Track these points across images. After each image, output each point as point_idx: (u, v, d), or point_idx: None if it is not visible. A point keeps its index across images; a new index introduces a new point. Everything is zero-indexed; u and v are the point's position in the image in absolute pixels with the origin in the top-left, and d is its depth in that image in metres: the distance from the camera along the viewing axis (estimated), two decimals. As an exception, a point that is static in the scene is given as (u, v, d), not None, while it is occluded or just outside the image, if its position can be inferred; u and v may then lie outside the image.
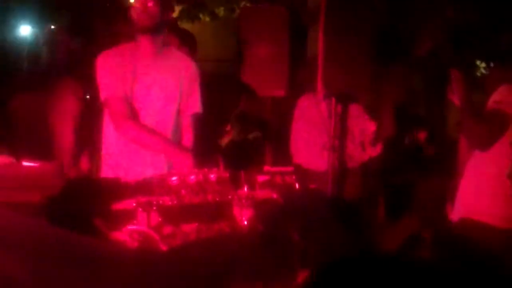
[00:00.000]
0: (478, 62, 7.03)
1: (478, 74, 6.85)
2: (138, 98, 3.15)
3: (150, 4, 3.05)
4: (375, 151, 4.30)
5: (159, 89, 3.18)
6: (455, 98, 3.45)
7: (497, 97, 3.33)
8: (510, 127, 3.28)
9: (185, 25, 6.69)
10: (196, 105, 3.36)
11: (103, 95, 3.12)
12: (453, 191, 3.65)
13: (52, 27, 4.98)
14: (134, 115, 3.13)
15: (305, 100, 4.38)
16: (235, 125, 4.84)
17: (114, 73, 3.09)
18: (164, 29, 3.22)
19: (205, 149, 3.41)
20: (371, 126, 4.20)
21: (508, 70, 3.56)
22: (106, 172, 3.22)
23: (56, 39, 4.03)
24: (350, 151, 4.27)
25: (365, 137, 4.26)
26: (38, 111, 3.86)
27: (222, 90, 4.65)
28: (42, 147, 3.78)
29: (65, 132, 3.86)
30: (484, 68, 6.98)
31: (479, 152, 3.41)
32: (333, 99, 4.01)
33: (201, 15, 7.65)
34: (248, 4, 7.34)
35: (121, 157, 3.17)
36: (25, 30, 4.58)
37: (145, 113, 3.16)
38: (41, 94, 3.88)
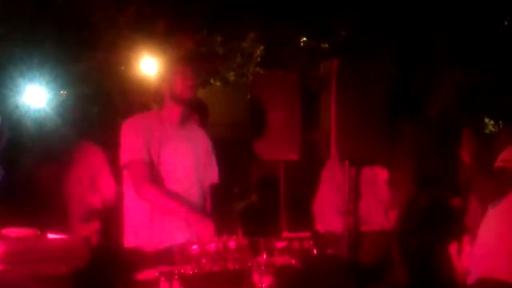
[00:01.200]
0: (486, 120, 7.09)
1: (487, 131, 6.91)
2: (166, 165, 3.18)
3: (192, 80, 3.17)
4: (393, 214, 4.32)
5: (183, 158, 3.24)
6: (465, 155, 3.52)
7: (505, 156, 3.41)
8: None
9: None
10: (214, 176, 3.44)
11: (124, 159, 3.16)
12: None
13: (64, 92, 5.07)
14: (158, 181, 3.15)
15: (332, 163, 4.40)
16: (255, 190, 4.87)
17: (139, 138, 3.14)
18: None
19: (220, 213, 3.44)
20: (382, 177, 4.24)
21: None
22: (129, 239, 3.24)
23: (74, 107, 4.10)
24: (373, 214, 4.27)
25: (382, 198, 4.28)
26: (59, 180, 3.91)
27: (232, 154, 4.70)
28: (63, 216, 3.81)
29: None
30: (493, 125, 7.04)
31: (492, 211, 3.44)
32: (347, 163, 4.04)
33: (212, 80, 7.77)
34: (258, 69, 7.47)
35: (143, 223, 3.14)
36: (34, 95, 4.62)
37: (171, 180, 3.19)
38: (63, 162, 3.93)
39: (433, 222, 4.80)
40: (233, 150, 4.86)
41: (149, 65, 5.28)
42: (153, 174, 3.14)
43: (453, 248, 3.97)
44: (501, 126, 4.72)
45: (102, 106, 4.26)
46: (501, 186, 3.37)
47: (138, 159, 3.12)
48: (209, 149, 3.45)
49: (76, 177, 3.95)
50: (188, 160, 3.27)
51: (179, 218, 3.04)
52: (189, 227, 2.95)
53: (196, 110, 4.19)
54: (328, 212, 4.31)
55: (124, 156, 3.17)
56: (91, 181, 3.95)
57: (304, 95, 4.54)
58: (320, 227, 4.34)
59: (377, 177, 4.33)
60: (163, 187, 3.16)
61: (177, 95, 3.19)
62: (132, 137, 3.16)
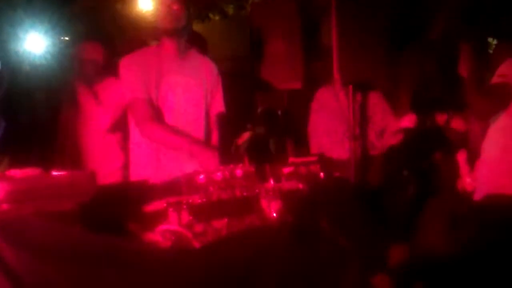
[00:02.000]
0: (490, 40, 6.99)
1: (491, 51, 6.82)
2: (164, 100, 3.18)
3: (175, 7, 3.10)
4: (395, 139, 4.31)
5: (183, 90, 3.22)
6: (464, 72, 3.50)
7: (501, 71, 3.39)
8: None
9: (196, 26, 6.71)
10: (220, 105, 3.42)
11: (126, 98, 3.16)
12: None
13: (66, 38, 5.03)
14: (160, 116, 3.16)
15: (323, 92, 4.39)
16: (260, 121, 4.86)
17: (138, 76, 3.12)
18: (187, 31, 3.26)
19: (228, 147, 3.44)
20: (391, 116, 4.22)
21: None
22: (135, 174, 3.27)
23: (81, 50, 4.05)
24: (372, 138, 4.28)
25: (385, 124, 4.27)
26: (70, 123, 3.90)
27: (237, 88, 4.67)
28: (74, 157, 3.82)
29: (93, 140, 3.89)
30: (495, 45, 6.95)
31: (494, 128, 3.45)
32: (351, 88, 4.02)
33: (211, 15, 7.66)
34: (257, 0, 7.34)
35: (149, 158, 3.19)
36: (34, 41, 4.57)
37: (173, 115, 3.19)
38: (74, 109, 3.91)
39: (436, 143, 4.81)
40: (237, 84, 4.82)
41: (145, 2, 5.21)
42: (155, 110, 3.14)
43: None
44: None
45: (103, 47, 4.18)
46: (499, 101, 3.37)
47: (138, 98, 3.12)
48: (214, 77, 3.41)
49: (83, 117, 3.93)
50: (189, 92, 3.25)
51: (183, 152, 3.04)
52: (193, 159, 2.96)
53: (194, 44, 4.15)
54: (325, 139, 4.31)
55: (125, 95, 3.17)
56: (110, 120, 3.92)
57: (305, 23, 4.48)
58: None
59: (376, 101, 4.31)
60: (165, 123, 3.16)
61: (162, 27, 3.15)
62: (130, 76, 3.15)
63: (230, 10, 7.68)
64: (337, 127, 4.23)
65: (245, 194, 2.22)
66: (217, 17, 7.71)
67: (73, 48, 4.13)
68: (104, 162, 3.80)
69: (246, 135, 3.10)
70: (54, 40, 4.57)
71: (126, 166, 3.60)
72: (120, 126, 3.68)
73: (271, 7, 4.53)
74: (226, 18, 7.73)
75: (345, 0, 3.92)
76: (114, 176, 3.76)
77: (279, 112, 4.71)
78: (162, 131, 3.13)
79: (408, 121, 4.22)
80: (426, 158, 4.75)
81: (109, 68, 3.79)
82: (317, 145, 4.38)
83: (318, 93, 4.42)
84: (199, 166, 2.91)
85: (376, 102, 4.30)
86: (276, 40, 4.37)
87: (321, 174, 2.48)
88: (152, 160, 3.17)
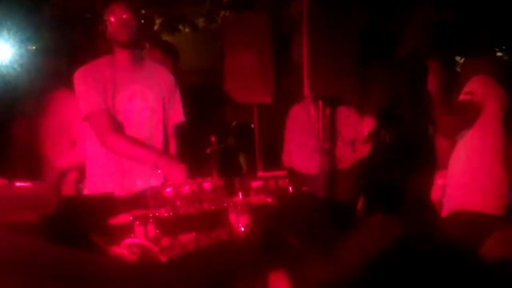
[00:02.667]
0: (458, 58, 7.10)
1: (458, 70, 6.92)
2: (121, 110, 3.11)
3: (126, 17, 3.03)
4: (364, 151, 4.32)
5: (140, 100, 3.16)
6: (432, 89, 3.53)
7: (468, 89, 3.45)
8: (487, 117, 3.37)
9: (165, 38, 6.69)
10: (178, 115, 3.35)
11: (84, 110, 3.06)
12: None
13: (34, 47, 4.95)
14: (118, 127, 3.08)
15: (296, 108, 4.39)
16: (232, 135, 4.85)
17: (94, 87, 3.04)
18: (142, 42, 3.21)
19: (196, 159, 3.41)
20: (362, 126, 4.23)
21: (480, 62, 3.67)
22: (91, 188, 3.19)
23: (44, 61, 3.99)
24: (340, 152, 4.28)
25: (355, 137, 4.28)
26: (34, 133, 3.83)
27: (205, 101, 4.65)
28: (37, 167, 3.75)
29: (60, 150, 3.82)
30: (462, 63, 7.06)
31: (461, 145, 3.49)
32: (320, 102, 4.03)
33: (181, 27, 7.65)
34: (228, 13, 7.35)
35: (108, 172, 3.11)
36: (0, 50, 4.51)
37: (130, 125, 3.12)
38: (37, 115, 3.84)
39: (400, 159, 4.85)
40: (207, 96, 4.79)
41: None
42: (114, 121, 3.07)
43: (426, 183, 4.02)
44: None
45: (68, 56, 4.13)
46: (466, 118, 3.41)
47: (97, 109, 3.04)
48: (172, 86, 3.34)
49: (51, 128, 3.86)
50: (146, 102, 3.19)
51: (148, 165, 2.98)
52: (160, 172, 2.91)
53: (167, 55, 4.12)
54: (295, 155, 4.31)
55: (82, 108, 3.07)
56: (66, 130, 3.86)
57: (276, 37, 4.48)
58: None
59: (347, 115, 4.33)
60: (127, 135, 3.09)
61: (116, 39, 3.07)
62: (86, 87, 3.07)
63: (200, 22, 7.69)
64: (307, 141, 4.23)
65: (213, 208, 2.20)
66: (187, 29, 7.70)
67: (40, 58, 4.06)
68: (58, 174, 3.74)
69: (215, 149, 3.07)
70: (21, 49, 4.50)
71: (79, 179, 3.56)
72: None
73: (242, 21, 4.52)
74: (196, 31, 7.73)
75: (316, 15, 3.92)
76: (67, 189, 3.69)
77: (252, 126, 4.69)
78: (126, 143, 3.05)
79: (368, 124, 4.23)
80: (388, 173, 4.78)
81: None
82: (288, 160, 4.38)
83: (291, 110, 4.42)
84: (164, 179, 2.86)
85: (347, 115, 4.31)
86: (246, 54, 4.35)
87: (290, 188, 2.47)
88: (113, 173, 3.10)
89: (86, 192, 3.25)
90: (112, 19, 3.03)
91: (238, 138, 5.02)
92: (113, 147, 3.06)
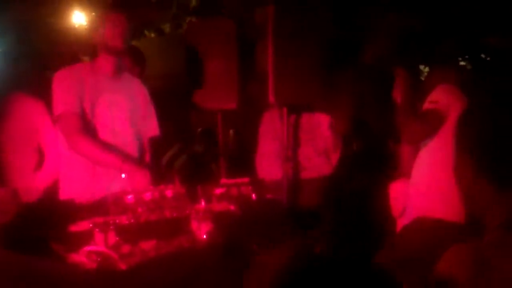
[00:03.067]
0: (422, 67, 7.20)
1: (422, 78, 7.01)
2: (100, 117, 3.10)
3: (126, 26, 3.07)
4: (335, 160, 4.35)
5: (119, 109, 3.16)
6: (397, 96, 3.57)
7: (433, 97, 3.49)
8: (450, 125, 3.41)
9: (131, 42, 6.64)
10: (154, 128, 3.38)
11: (57, 110, 3.05)
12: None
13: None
14: (95, 134, 3.07)
15: (267, 115, 4.39)
16: (199, 140, 4.82)
17: (71, 89, 3.03)
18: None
19: (156, 165, 3.39)
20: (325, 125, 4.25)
21: (444, 71, 3.72)
22: (63, 192, 3.16)
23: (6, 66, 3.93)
24: (314, 161, 4.28)
25: (327, 145, 4.30)
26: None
27: (170, 107, 4.62)
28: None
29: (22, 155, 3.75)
30: (427, 72, 7.15)
31: (424, 153, 3.53)
32: (285, 109, 4.03)
33: (146, 32, 7.60)
34: (194, 20, 7.33)
35: (81, 176, 3.08)
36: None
37: (107, 133, 3.11)
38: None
39: (365, 167, 4.88)
40: (172, 102, 4.77)
41: (79, 17, 5.12)
42: (88, 128, 3.05)
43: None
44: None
45: (33, 60, 4.07)
46: (429, 127, 3.45)
47: (70, 111, 3.02)
48: (147, 100, 3.37)
49: (14, 133, 3.79)
50: (124, 112, 3.19)
51: (113, 169, 2.96)
52: (124, 177, 2.89)
53: (136, 62, 4.10)
54: (264, 161, 4.32)
55: (56, 108, 3.06)
56: (30, 136, 3.79)
57: (242, 44, 4.47)
58: (259, 175, 4.35)
59: (318, 123, 4.34)
60: (97, 139, 3.07)
61: (108, 44, 3.08)
62: (64, 89, 3.05)
63: (166, 28, 7.64)
64: (275, 149, 4.23)
65: (174, 215, 2.18)
66: (153, 35, 7.65)
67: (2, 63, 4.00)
68: (21, 180, 3.67)
69: (170, 152, 3.06)
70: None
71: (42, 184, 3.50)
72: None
73: (208, 26, 4.51)
74: (162, 36, 7.69)
75: (281, 22, 3.92)
76: (36, 194, 3.63)
77: (216, 132, 4.68)
78: (93, 146, 3.02)
79: (325, 123, 4.28)
80: (355, 181, 4.81)
81: (39, 82, 3.68)
82: (259, 168, 4.38)
83: (263, 117, 4.43)
84: (128, 184, 2.85)
85: (318, 123, 4.32)
86: (212, 60, 4.34)
87: (253, 195, 2.47)
88: (79, 177, 3.08)
89: (60, 194, 3.20)
90: (111, 26, 3.05)
91: (204, 144, 4.99)
92: (79, 149, 3.03)
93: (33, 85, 3.78)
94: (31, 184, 3.64)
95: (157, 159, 3.43)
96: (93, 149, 3.02)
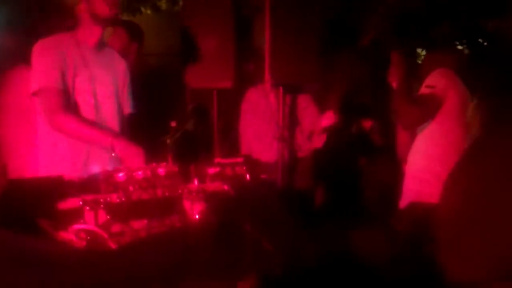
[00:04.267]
0: (419, 51, 7.16)
1: (419, 61, 6.97)
2: (82, 92, 2.98)
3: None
4: (319, 142, 4.31)
5: (101, 84, 3.06)
6: (393, 79, 3.54)
7: (430, 82, 3.46)
8: (447, 110, 3.39)
9: (126, 19, 6.56)
10: (131, 105, 3.29)
11: (35, 85, 2.90)
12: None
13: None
14: (74, 109, 2.96)
15: (253, 92, 4.35)
16: (191, 117, 4.78)
17: (53, 62, 2.88)
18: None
19: (151, 144, 3.34)
20: (319, 117, 4.22)
21: (442, 55, 3.69)
22: (45, 170, 3.05)
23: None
24: (300, 141, 4.27)
25: (313, 128, 4.26)
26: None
27: (166, 85, 4.57)
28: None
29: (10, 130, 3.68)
30: (424, 56, 7.12)
31: (421, 137, 3.51)
32: (281, 89, 3.99)
33: (142, 8, 7.51)
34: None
35: (59, 153, 2.99)
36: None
37: (91, 108, 3.01)
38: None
39: (361, 148, 4.86)
40: (167, 81, 4.72)
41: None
42: (69, 103, 2.93)
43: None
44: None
45: (22, 32, 4.00)
46: (427, 111, 3.43)
47: (50, 86, 2.88)
48: (127, 76, 3.27)
49: (8, 107, 3.72)
50: (106, 87, 3.09)
51: (103, 147, 2.85)
52: (115, 155, 2.81)
53: (133, 37, 4.04)
54: (255, 142, 4.27)
55: (35, 81, 2.91)
56: (25, 109, 3.72)
57: (239, 22, 4.41)
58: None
59: (302, 103, 4.31)
60: (79, 115, 2.96)
61: (97, 13, 2.97)
62: (45, 61, 2.90)
63: (163, 4, 7.55)
64: (266, 129, 4.19)
65: (167, 194, 2.13)
66: (149, 11, 7.56)
67: None
68: (13, 155, 3.60)
69: (175, 134, 3.00)
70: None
71: (35, 161, 3.43)
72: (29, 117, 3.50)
73: (205, 4, 4.44)
74: (158, 13, 7.60)
75: (279, 1, 3.87)
76: (23, 170, 3.55)
77: (212, 111, 4.63)
78: (78, 124, 2.90)
79: (327, 119, 4.22)
80: (351, 162, 4.79)
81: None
82: (247, 146, 4.34)
83: (248, 93, 4.38)
84: (117, 162, 2.77)
85: (305, 105, 4.30)
86: (208, 38, 4.28)
87: (247, 175, 2.43)
88: (65, 156, 2.98)
89: (44, 171, 3.09)
90: None
91: (195, 121, 4.94)
92: (62, 127, 2.90)
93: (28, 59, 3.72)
94: (25, 160, 3.60)
95: (155, 138, 3.38)
96: (79, 127, 2.90)
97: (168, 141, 2.93)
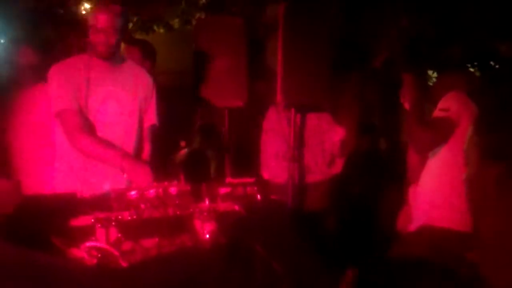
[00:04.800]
0: (430, 72, 7.17)
1: (430, 83, 6.98)
2: (93, 111, 3.09)
3: (111, 29, 3.01)
4: (338, 166, 4.31)
5: (115, 102, 3.14)
6: (406, 102, 3.52)
7: (443, 105, 3.43)
8: (460, 134, 3.36)
9: (139, 37, 6.62)
10: (152, 117, 3.36)
11: (56, 107, 3.05)
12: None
13: (2, 41, 4.86)
14: (90, 128, 3.06)
15: (273, 112, 4.35)
16: (198, 136, 4.79)
17: (68, 85, 3.03)
18: (120, 45, 3.19)
19: (161, 162, 3.36)
20: (337, 136, 4.20)
21: (455, 78, 3.66)
22: (60, 187, 3.14)
23: (17, 53, 3.89)
24: (311, 163, 4.25)
25: (334, 150, 4.25)
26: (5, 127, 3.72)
27: (177, 103, 4.60)
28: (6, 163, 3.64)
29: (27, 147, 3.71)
30: (436, 78, 7.12)
31: (433, 161, 3.48)
32: (293, 110, 4.00)
33: (155, 27, 7.59)
34: (203, 15, 7.30)
35: (77, 171, 3.08)
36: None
37: (103, 126, 3.10)
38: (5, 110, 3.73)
39: (370, 169, 4.84)
40: (179, 99, 4.74)
41: (87, 8, 5.10)
42: (85, 121, 3.05)
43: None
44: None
45: (41, 51, 4.04)
46: (440, 135, 3.39)
47: (68, 108, 3.02)
48: (150, 88, 3.34)
49: (30, 122, 3.75)
50: (122, 104, 3.17)
51: (114, 166, 2.94)
52: (125, 174, 2.87)
53: (146, 55, 4.08)
54: (273, 161, 4.27)
55: (54, 105, 3.06)
56: (41, 125, 3.75)
57: (250, 42, 4.44)
58: (266, 176, 4.31)
59: (328, 127, 4.29)
60: (96, 135, 3.07)
61: (94, 48, 3.07)
62: (60, 85, 3.05)
63: (175, 23, 7.63)
64: (282, 150, 4.19)
65: (178, 213, 2.14)
66: (161, 30, 7.64)
67: (10, 51, 3.97)
68: (31, 172, 3.63)
69: (183, 152, 3.02)
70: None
71: (50, 179, 3.45)
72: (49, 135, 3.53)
73: (217, 24, 4.48)
74: (171, 31, 7.67)
75: (291, 22, 3.89)
76: (40, 187, 3.58)
77: (222, 129, 4.64)
78: (94, 144, 3.02)
79: (338, 133, 4.20)
80: (360, 184, 4.77)
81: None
82: (266, 167, 4.34)
83: (268, 113, 4.38)
84: (130, 182, 2.82)
85: (328, 128, 4.26)
86: (220, 57, 4.30)
87: (258, 196, 2.43)
88: (79, 172, 3.06)
89: (55, 190, 3.19)
90: (95, 31, 3.02)
91: (202, 139, 4.96)
92: (81, 148, 3.03)
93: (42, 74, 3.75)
94: (40, 178, 3.62)
95: (165, 156, 3.40)
96: (95, 147, 3.02)
97: (176, 159, 2.95)
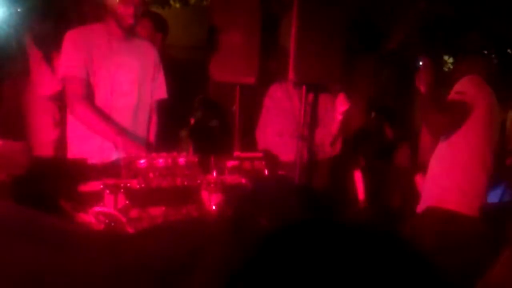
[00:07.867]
0: (446, 58, 7.11)
1: (446, 69, 6.93)
2: (110, 80, 3.12)
3: (136, 9, 3.06)
4: (338, 147, 4.32)
5: (126, 71, 3.17)
6: (422, 85, 3.50)
7: (459, 88, 3.40)
8: (475, 118, 3.35)
9: (155, 10, 6.61)
10: (161, 91, 3.40)
11: (62, 72, 3.07)
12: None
13: (19, 10, 4.86)
14: (102, 95, 3.09)
15: (277, 89, 4.34)
16: (198, 109, 4.80)
17: (79, 52, 3.05)
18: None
19: (172, 136, 3.37)
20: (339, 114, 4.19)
21: (472, 63, 3.64)
22: (73, 151, 3.17)
23: (33, 23, 3.92)
24: (320, 141, 4.26)
25: (335, 129, 4.25)
26: (17, 96, 3.76)
27: (190, 77, 4.60)
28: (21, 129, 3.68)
29: (42, 117, 3.75)
30: (452, 63, 7.06)
31: (445, 144, 3.47)
32: (304, 88, 4.00)
33: (172, 2, 7.56)
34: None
35: (88, 137, 3.09)
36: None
37: (116, 95, 3.13)
38: (21, 79, 3.77)
39: (374, 148, 4.84)
40: (193, 74, 4.74)
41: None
42: (95, 90, 3.09)
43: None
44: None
45: (56, 20, 4.05)
46: (455, 118, 3.37)
47: (74, 75, 3.05)
48: (157, 62, 3.38)
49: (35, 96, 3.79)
50: (133, 74, 3.21)
51: (108, 140, 2.97)
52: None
53: (158, 28, 4.10)
54: (275, 139, 4.27)
55: (62, 69, 3.08)
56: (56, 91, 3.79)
57: (265, 19, 4.42)
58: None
59: (333, 106, 4.29)
60: (96, 106, 3.09)
61: (118, 19, 3.09)
62: (71, 51, 3.07)
63: (191, -1, 7.60)
64: (288, 127, 4.19)
65: (186, 183, 2.17)
66: (178, 5, 7.61)
67: (27, 19, 3.99)
68: (40, 132, 3.68)
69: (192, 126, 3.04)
70: (8, 11, 4.41)
71: (59, 140, 3.51)
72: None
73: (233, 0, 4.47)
74: (187, 7, 7.64)
75: (307, 0, 3.88)
76: (47, 149, 3.64)
77: (233, 106, 4.64)
78: (91, 114, 3.05)
79: (341, 103, 4.18)
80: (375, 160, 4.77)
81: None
82: (264, 143, 4.34)
83: (271, 90, 4.37)
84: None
85: (329, 106, 4.28)
86: (234, 33, 4.28)
87: (266, 171, 2.45)
88: (90, 138, 3.09)
89: (69, 153, 3.22)
90: (123, 5, 3.04)
91: (204, 112, 4.96)
92: (77, 115, 3.08)
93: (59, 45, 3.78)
94: (49, 138, 3.66)
95: (172, 130, 3.41)
96: (90, 118, 3.04)
97: (182, 134, 2.97)
